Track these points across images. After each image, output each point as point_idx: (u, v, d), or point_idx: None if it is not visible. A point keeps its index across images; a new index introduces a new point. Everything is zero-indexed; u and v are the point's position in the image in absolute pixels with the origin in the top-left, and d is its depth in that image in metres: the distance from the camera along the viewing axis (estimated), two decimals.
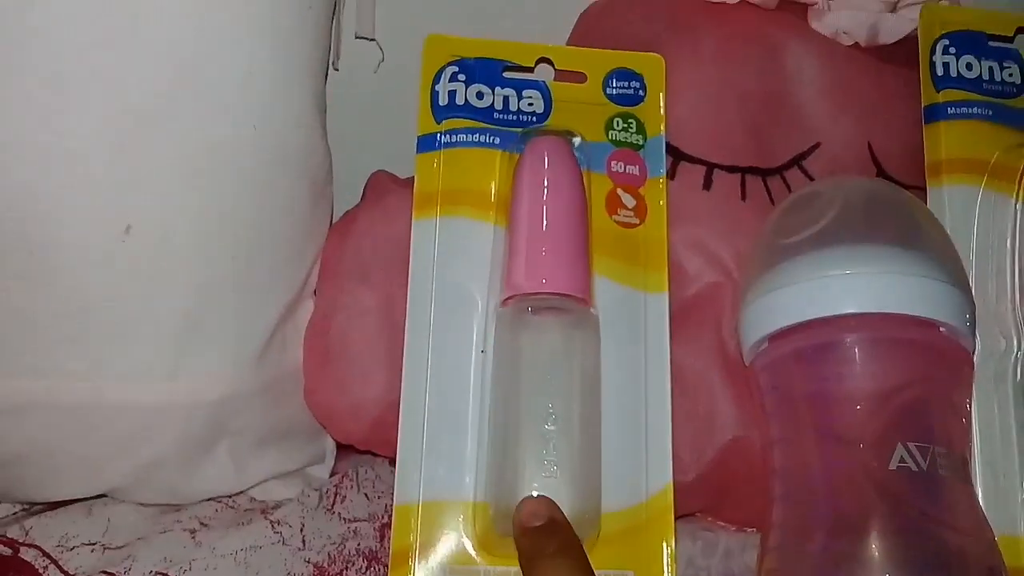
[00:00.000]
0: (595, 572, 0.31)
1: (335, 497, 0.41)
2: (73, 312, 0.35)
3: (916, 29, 0.43)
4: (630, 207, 0.38)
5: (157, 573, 0.37)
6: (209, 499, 0.40)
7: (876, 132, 0.44)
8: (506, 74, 0.39)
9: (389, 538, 0.35)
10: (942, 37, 0.43)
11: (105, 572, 0.37)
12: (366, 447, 0.41)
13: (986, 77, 0.43)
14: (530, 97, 0.39)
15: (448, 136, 0.38)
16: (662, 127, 0.39)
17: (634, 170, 0.39)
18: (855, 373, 0.35)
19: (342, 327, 0.40)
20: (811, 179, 0.43)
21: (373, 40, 0.47)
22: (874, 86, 0.44)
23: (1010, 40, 0.44)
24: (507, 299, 0.35)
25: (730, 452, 0.39)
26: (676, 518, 0.36)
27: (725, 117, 0.42)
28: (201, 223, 0.36)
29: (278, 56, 0.37)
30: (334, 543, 0.40)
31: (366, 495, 0.42)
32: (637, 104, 0.39)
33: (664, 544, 0.35)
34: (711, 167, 0.41)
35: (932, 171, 0.41)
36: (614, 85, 0.39)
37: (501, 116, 0.38)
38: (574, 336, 0.34)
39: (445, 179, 0.37)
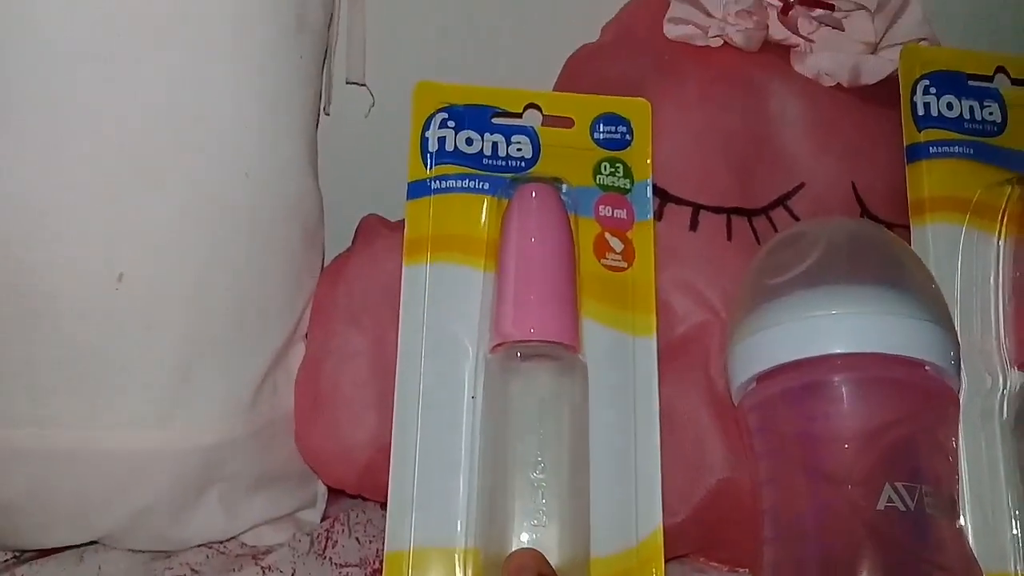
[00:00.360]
0: None
1: (326, 542, 0.41)
2: (66, 360, 0.36)
3: (897, 70, 0.44)
4: (618, 251, 0.38)
5: None
6: (200, 545, 0.40)
7: (859, 171, 0.44)
8: (495, 120, 0.40)
9: None
10: (922, 77, 0.43)
11: None
12: (357, 491, 0.41)
13: (967, 116, 0.43)
14: (519, 142, 0.39)
15: (438, 182, 0.38)
16: (649, 171, 0.40)
17: (621, 214, 0.39)
18: (842, 413, 0.35)
19: (332, 372, 0.40)
20: (796, 218, 0.43)
21: (364, 85, 0.47)
22: (857, 126, 0.45)
23: (990, 79, 0.44)
24: (496, 346, 0.35)
25: (720, 493, 0.39)
26: (668, 560, 0.36)
27: (710, 158, 0.43)
28: (194, 271, 0.36)
29: (270, 106, 0.38)
30: None
31: (357, 539, 0.42)
32: (624, 148, 0.40)
33: None
34: (697, 208, 0.42)
35: (915, 209, 0.42)
36: (601, 130, 0.40)
37: (490, 162, 0.39)
38: (562, 383, 0.34)
39: (435, 225, 0.38)
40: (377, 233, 0.42)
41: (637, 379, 0.37)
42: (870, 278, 0.37)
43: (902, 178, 0.42)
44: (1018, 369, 0.39)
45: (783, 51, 0.46)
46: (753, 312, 0.37)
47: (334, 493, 0.44)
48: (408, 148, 0.39)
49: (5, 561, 0.40)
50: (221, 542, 0.41)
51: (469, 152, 0.39)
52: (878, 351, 0.35)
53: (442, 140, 0.39)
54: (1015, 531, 0.38)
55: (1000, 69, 0.45)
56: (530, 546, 0.32)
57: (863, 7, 0.46)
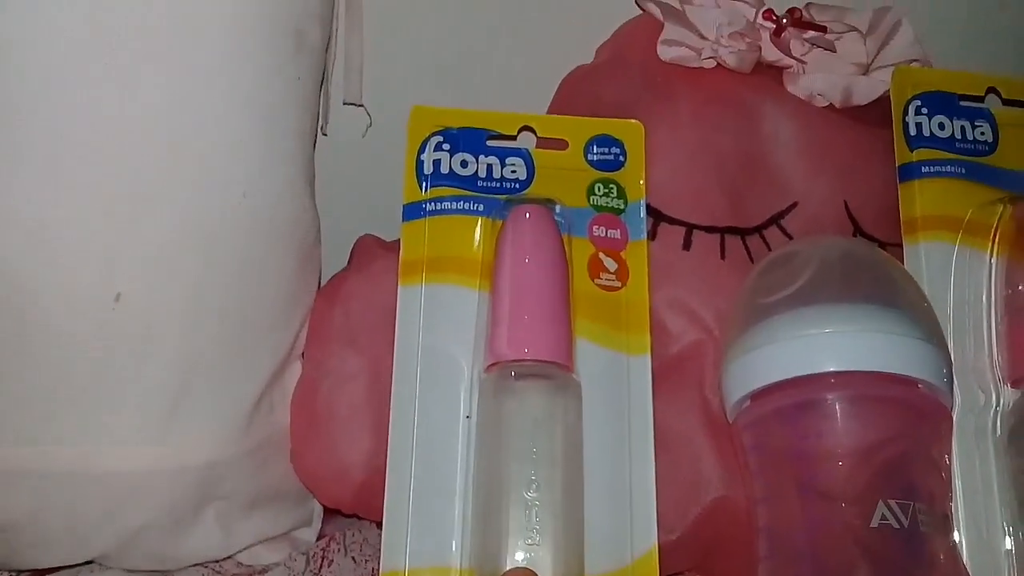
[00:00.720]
0: None
1: (322, 561, 0.41)
2: (62, 379, 0.36)
3: (889, 91, 0.44)
4: (612, 271, 0.39)
5: None
6: (196, 564, 0.40)
7: (852, 191, 0.45)
8: (490, 143, 0.40)
9: None
10: (914, 98, 0.44)
11: None
12: (352, 511, 0.41)
13: (958, 136, 0.44)
14: (513, 164, 0.39)
15: (433, 204, 0.39)
16: (642, 192, 0.40)
17: (615, 234, 0.39)
18: (835, 431, 0.35)
19: (328, 392, 0.40)
20: (789, 237, 0.44)
21: (361, 106, 0.48)
22: (849, 146, 0.45)
23: (981, 100, 0.45)
24: (490, 366, 0.35)
25: (715, 511, 0.39)
26: None
27: (703, 179, 0.43)
28: (191, 291, 0.37)
29: (267, 127, 0.38)
30: None
31: (353, 559, 0.42)
32: (618, 169, 0.40)
33: None
34: (690, 228, 0.42)
35: (908, 228, 0.42)
36: (595, 151, 0.40)
37: (485, 184, 0.39)
38: (556, 402, 0.35)
39: (430, 246, 0.38)
40: (373, 254, 0.43)
41: (632, 398, 0.37)
42: (863, 296, 0.37)
43: (895, 197, 0.43)
44: (1011, 386, 0.39)
45: (776, 72, 0.47)
46: (747, 330, 0.38)
47: (330, 512, 0.44)
48: (404, 172, 0.39)
49: None
50: (217, 561, 0.41)
51: (464, 174, 0.39)
52: (871, 369, 0.35)
53: (437, 163, 0.39)
54: (1009, 546, 0.38)
55: (991, 90, 0.45)
56: (524, 565, 0.32)
57: (855, 29, 0.47)
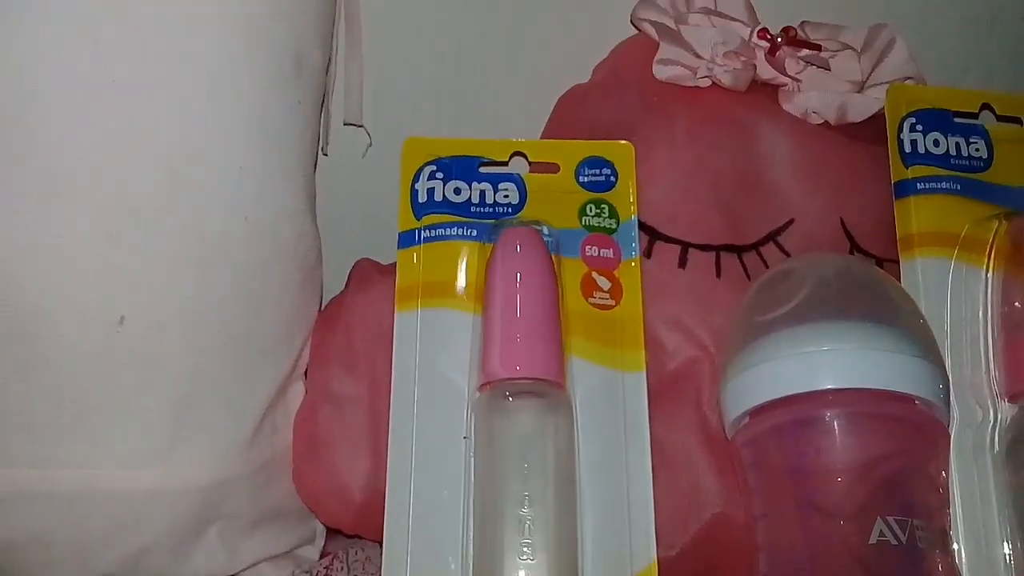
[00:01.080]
0: None
1: None
2: (66, 401, 0.36)
3: (884, 108, 0.45)
4: (605, 289, 0.39)
5: None
6: None
7: (848, 207, 0.45)
8: (482, 169, 0.41)
9: None
10: (909, 115, 0.44)
11: None
12: (353, 532, 0.41)
13: (953, 153, 0.44)
14: (506, 190, 0.40)
15: (427, 231, 0.39)
16: (634, 211, 0.41)
17: (608, 253, 0.40)
18: (833, 448, 0.35)
19: (329, 415, 0.40)
20: (786, 254, 0.44)
21: (361, 126, 0.48)
22: (845, 163, 0.46)
23: (975, 116, 0.45)
24: (483, 385, 0.36)
25: (715, 527, 0.40)
26: None
27: (699, 197, 0.43)
28: (194, 313, 0.37)
29: (269, 150, 0.38)
30: None
31: None
32: (609, 190, 0.41)
33: None
34: (686, 246, 0.43)
35: (904, 245, 0.42)
36: (586, 173, 0.41)
37: (478, 209, 0.40)
38: (547, 420, 0.35)
39: (425, 272, 0.39)
40: (370, 279, 0.43)
41: (627, 414, 0.38)
42: (860, 314, 0.37)
43: (890, 213, 0.43)
44: (1008, 401, 0.39)
45: (771, 90, 0.47)
46: (745, 348, 0.38)
47: (332, 530, 0.44)
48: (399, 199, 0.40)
49: None
50: None
51: (457, 201, 0.40)
52: (869, 386, 0.35)
53: (431, 191, 0.40)
54: (1009, 562, 0.38)
55: (985, 106, 0.45)
56: None
57: (849, 47, 0.47)
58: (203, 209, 0.37)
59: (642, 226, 0.42)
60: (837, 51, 0.47)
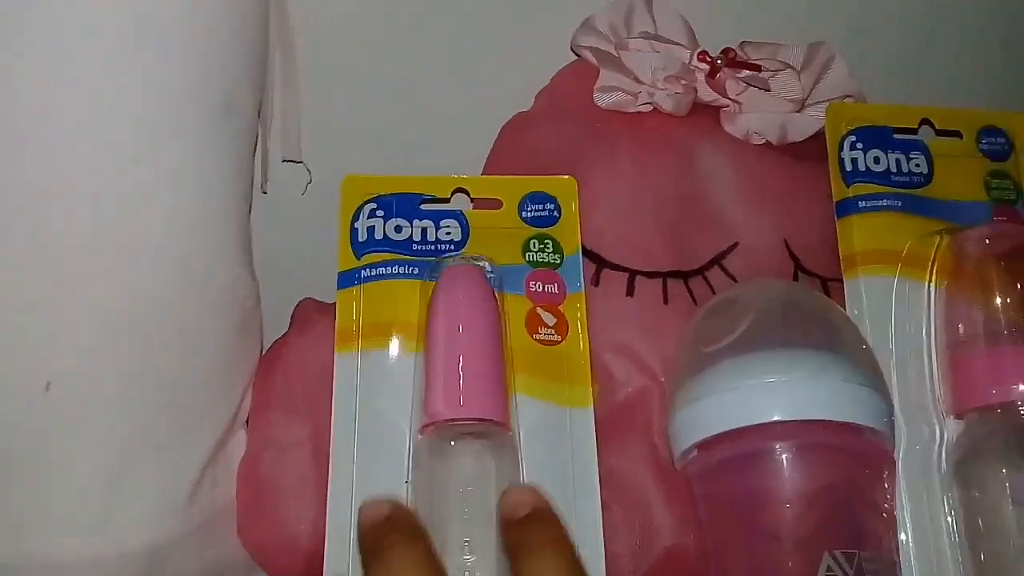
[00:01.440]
0: None
1: None
2: None
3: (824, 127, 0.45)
4: (550, 325, 0.39)
5: None
6: None
7: (792, 228, 0.45)
8: (423, 206, 0.40)
9: None
10: (849, 133, 0.44)
11: None
12: None
13: (894, 169, 0.44)
14: (448, 226, 0.40)
15: (368, 270, 0.39)
16: (578, 245, 0.40)
17: (553, 288, 0.39)
18: (780, 481, 0.35)
19: (272, 462, 0.40)
20: (732, 277, 0.44)
21: (300, 163, 0.48)
22: (787, 183, 0.46)
23: (915, 132, 0.45)
24: (425, 427, 0.35)
25: (669, 560, 0.39)
26: None
27: (644, 223, 0.43)
28: (125, 373, 0.36)
29: (199, 198, 0.37)
30: None
31: None
32: (552, 225, 0.41)
33: None
34: (633, 273, 0.42)
35: (847, 264, 0.42)
36: (529, 208, 0.41)
37: (419, 247, 0.40)
38: (490, 461, 0.35)
39: (366, 312, 0.38)
40: (312, 320, 0.42)
41: (575, 451, 0.37)
42: (803, 343, 0.37)
43: (835, 232, 0.43)
44: (955, 418, 0.40)
45: (713, 112, 0.47)
46: (690, 379, 0.38)
47: None
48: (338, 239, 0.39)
49: None
50: None
51: (398, 239, 0.39)
52: (816, 418, 0.35)
53: (371, 229, 0.39)
54: None
55: (925, 121, 0.45)
56: None
57: (789, 66, 0.47)
58: (131, 265, 0.36)
59: (589, 254, 0.42)
60: (777, 71, 0.47)
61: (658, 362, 0.41)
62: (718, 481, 0.37)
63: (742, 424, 0.35)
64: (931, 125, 0.46)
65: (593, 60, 0.46)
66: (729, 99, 0.46)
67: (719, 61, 0.46)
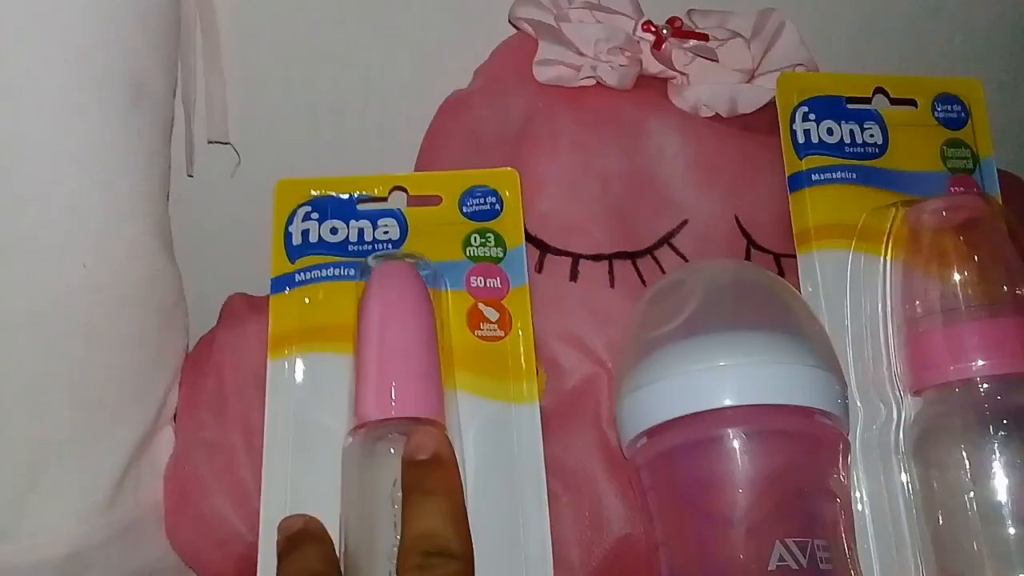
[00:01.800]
0: None
1: None
2: None
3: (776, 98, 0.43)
4: (493, 320, 0.37)
5: None
6: None
7: (743, 204, 0.43)
8: (360, 206, 0.39)
9: None
10: (801, 104, 0.43)
11: None
12: None
13: (847, 140, 0.43)
14: (386, 226, 0.38)
15: (302, 274, 0.37)
16: (522, 238, 0.39)
17: (495, 283, 0.38)
18: (731, 468, 0.34)
19: (202, 462, 0.38)
20: (682, 256, 0.42)
21: (228, 143, 0.46)
22: (738, 157, 0.44)
23: (868, 101, 0.44)
24: (356, 428, 0.34)
25: (621, 550, 0.38)
26: None
27: (588, 205, 0.41)
28: (35, 374, 0.34)
29: (107, 188, 0.35)
30: None
31: None
32: (494, 218, 0.39)
33: None
34: (576, 257, 0.41)
35: (801, 239, 0.41)
36: (470, 203, 0.39)
37: (356, 248, 0.38)
38: None
39: (300, 316, 0.37)
40: (242, 317, 0.41)
41: (520, 448, 0.36)
42: (753, 324, 0.36)
43: (788, 207, 0.42)
44: (912, 395, 0.39)
45: (660, 84, 0.45)
46: (638, 365, 0.36)
47: None
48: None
49: None
50: None
51: (334, 240, 0.38)
52: (767, 402, 0.34)
53: (306, 232, 0.38)
54: (919, 562, 0.37)
55: (879, 90, 0.44)
56: None
57: (738, 35, 0.45)
58: (35, 259, 0.34)
59: (533, 240, 0.41)
60: (725, 40, 0.45)
61: (605, 348, 0.40)
62: (667, 469, 0.36)
63: (691, 410, 0.34)
64: (885, 94, 0.44)
65: (531, 32, 0.44)
66: (676, 71, 0.44)
67: (665, 31, 0.44)
